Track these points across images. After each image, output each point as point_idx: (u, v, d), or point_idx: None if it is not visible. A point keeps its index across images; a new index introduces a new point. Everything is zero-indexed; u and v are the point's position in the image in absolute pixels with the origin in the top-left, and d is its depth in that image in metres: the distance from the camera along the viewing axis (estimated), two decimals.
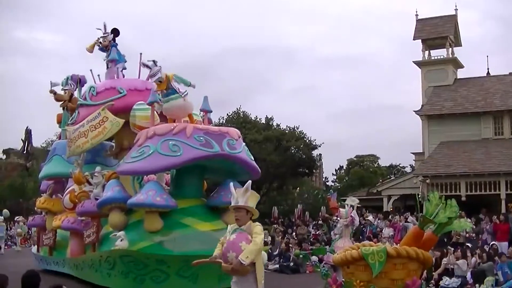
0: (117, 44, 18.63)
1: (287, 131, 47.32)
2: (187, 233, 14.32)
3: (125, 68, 18.64)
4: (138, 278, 14.11)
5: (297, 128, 47.70)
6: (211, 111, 16.27)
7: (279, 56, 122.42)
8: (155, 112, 15.48)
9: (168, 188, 16.39)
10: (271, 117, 48.59)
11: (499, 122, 31.57)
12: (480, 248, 20.71)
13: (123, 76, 18.36)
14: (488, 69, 37.22)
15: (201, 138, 14.22)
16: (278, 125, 48.27)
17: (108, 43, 18.45)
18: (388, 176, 43.97)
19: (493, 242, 21.17)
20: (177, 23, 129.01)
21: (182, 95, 14.92)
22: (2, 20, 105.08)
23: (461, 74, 36.73)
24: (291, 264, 22.82)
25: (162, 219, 14.33)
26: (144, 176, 16.46)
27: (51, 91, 20.49)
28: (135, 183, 16.54)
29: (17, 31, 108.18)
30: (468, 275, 18.64)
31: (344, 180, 69.52)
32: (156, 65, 14.99)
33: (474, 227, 21.50)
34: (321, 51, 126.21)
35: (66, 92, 20.37)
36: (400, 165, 60.28)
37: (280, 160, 43.92)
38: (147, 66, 15.24)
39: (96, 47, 18.76)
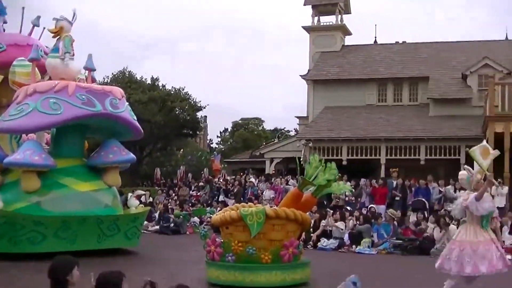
0: None
1: (172, 92, 46.61)
2: (65, 193, 14.06)
3: (5, 22, 17.38)
4: (14, 239, 13.52)
5: (183, 89, 47.15)
6: (95, 69, 15.77)
7: None
8: (36, 69, 14.85)
9: (48, 147, 15.84)
10: (156, 78, 47.60)
11: (383, 89, 32.10)
12: (358, 211, 20.99)
13: (4, 30, 17.22)
14: (375, 37, 37.72)
15: (83, 97, 13.95)
16: (163, 86, 47.43)
17: None
18: (272, 140, 44.08)
19: (372, 205, 21.48)
20: None
21: (61, 57, 14.55)
22: None
23: (349, 41, 37.04)
24: (172, 225, 22.59)
25: (40, 179, 13.83)
26: (23, 135, 15.78)
27: None
28: (12, 142, 15.97)
29: None
30: (346, 237, 18.85)
31: (229, 143, 69.72)
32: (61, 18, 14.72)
33: (354, 190, 21.67)
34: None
35: None
36: (285, 129, 60.96)
37: (164, 121, 43.23)
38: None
39: None
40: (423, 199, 21.34)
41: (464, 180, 9.06)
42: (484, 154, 9.05)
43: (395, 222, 19.47)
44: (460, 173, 9.29)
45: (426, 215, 19.84)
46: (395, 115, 29.96)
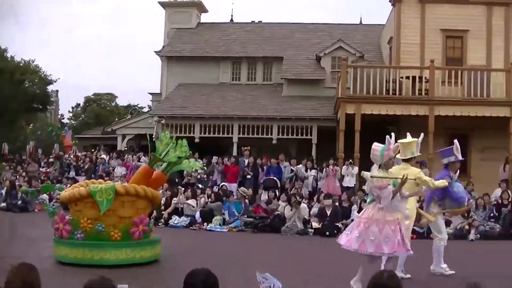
0: None
1: (21, 64, 44.34)
2: None
3: None
4: None
5: (33, 62, 44.92)
6: None
7: None
8: None
9: None
10: (4, 49, 44.98)
11: (237, 68, 31.99)
12: (210, 189, 20.79)
13: None
14: (232, 16, 37.60)
15: None
16: (12, 57, 44.93)
17: None
18: (125, 116, 43.03)
19: (223, 183, 21.32)
20: None
21: None
22: None
23: (205, 18, 36.61)
24: (19, 202, 21.78)
25: None
26: None
27: None
28: None
29: None
30: (197, 215, 18.61)
31: (81, 118, 67.61)
32: None
33: (205, 168, 21.41)
34: None
35: None
36: (138, 105, 59.78)
37: (12, 94, 41.01)
38: None
39: None
40: (275, 178, 21.47)
41: (378, 152, 8.80)
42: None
43: (247, 200, 19.48)
44: (375, 144, 9.03)
45: (277, 194, 19.94)
46: (249, 94, 29.97)
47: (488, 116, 22.17)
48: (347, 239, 8.70)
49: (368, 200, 9.60)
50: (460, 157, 10.54)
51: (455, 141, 11.12)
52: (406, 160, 10.50)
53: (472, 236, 16.64)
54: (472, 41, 24.74)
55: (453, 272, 10.37)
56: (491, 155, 23.23)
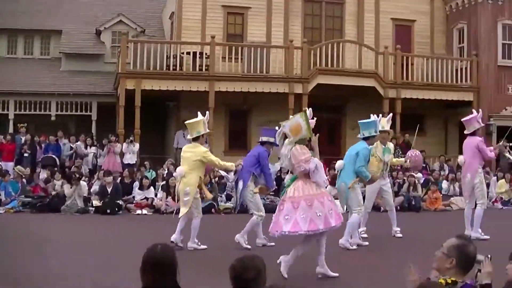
0: None
1: None
2: None
3: None
4: None
5: None
6: None
7: None
8: None
9: None
10: None
11: (13, 41, 30.13)
12: None
13: None
14: None
15: None
16: None
17: None
18: None
19: None
20: None
21: None
22: None
23: None
24: None
25: None
26: None
27: None
28: None
29: None
30: None
31: None
32: None
33: None
34: None
35: None
36: None
37: None
38: None
39: None
40: (53, 156, 20.75)
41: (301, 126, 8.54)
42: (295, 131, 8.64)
43: (24, 180, 18.63)
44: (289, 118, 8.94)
45: (56, 172, 19.24)
46: (26, 69, 28.44)
47: (268, 92, 23.04)
48: (290, 224, 8.12)
49: (288, 179, 9.11)
50: (277, 142, 10.88)
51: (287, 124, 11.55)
52: (194, 139, 10.71)
53: None
54: (253, 18, 25.40)
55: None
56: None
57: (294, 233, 8.10)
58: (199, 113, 11.04)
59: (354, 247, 10.84)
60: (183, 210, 10.61)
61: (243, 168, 11.11)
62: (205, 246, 10.65)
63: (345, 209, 11.24)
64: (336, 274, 8.36)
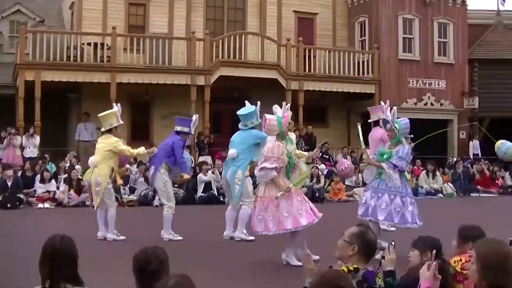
0: None
1: None
2: None
3: None
4: None
5: None
6: None
7: None
8: None
9: None
10: None
11: None
12: None
13: None
14: None
15: None
16: None
17: None
18: None
19: None
20: None
21: None
22: None
23: None
24: None
25: None
26: None
27: None
28: None
29: None
30: None
31: None
32: None
33: None
34: None
35: None
36: None
37: None
38: None
39: None
40: None
41: (275, 121, 8.55)
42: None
43: None
44: (266, 115, 8.88)
45: None
46: None
47: (170, 84, 23.01)
48: (262, 225, 8.33)
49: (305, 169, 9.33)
50: (192, 132, 10.97)
51: (196, 116, 11.80)
52: (107, 131, 10.85)
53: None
54: (155, 9, 25.26)
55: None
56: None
57: (266, 234, 8.38)
58: (114, 104, 11.28)
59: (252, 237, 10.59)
60: (95, 200, 10.80)
61: (156, 156, 11.19)
62: (123, 237, 10.79)
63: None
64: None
